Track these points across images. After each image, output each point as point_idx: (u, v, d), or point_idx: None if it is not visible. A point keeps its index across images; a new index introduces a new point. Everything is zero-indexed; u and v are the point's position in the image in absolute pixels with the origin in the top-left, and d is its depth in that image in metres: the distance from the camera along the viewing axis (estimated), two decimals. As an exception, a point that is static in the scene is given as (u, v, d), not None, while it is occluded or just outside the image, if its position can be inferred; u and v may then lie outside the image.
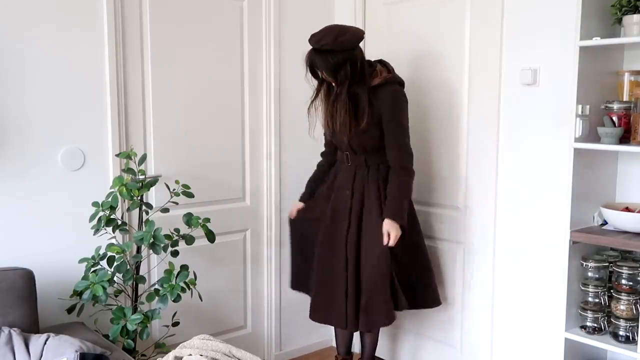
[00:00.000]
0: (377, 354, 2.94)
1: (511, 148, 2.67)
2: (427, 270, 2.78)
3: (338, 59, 2.48)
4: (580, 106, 2.21)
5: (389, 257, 2.55)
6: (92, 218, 2.39)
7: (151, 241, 2.35)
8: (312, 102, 2.68)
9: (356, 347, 3.17)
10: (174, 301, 2.38)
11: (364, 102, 2.55)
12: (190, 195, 2.54)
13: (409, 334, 3.22)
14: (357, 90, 2.55)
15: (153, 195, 2.74)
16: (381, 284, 2.55)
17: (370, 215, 2.62)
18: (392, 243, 2.51)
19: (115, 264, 2.39)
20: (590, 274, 2.32)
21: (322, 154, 2.91)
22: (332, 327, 3.02)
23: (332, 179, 2.77)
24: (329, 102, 2.61)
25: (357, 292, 2.61)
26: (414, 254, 2.72)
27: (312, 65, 2.55)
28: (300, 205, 2.85)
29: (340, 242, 2.65)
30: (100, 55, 2.55)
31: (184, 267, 2.48)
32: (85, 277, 2.33)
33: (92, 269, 2.35)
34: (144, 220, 2.49)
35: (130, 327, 2.33)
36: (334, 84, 2.56)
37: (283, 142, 3.22)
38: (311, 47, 2.53)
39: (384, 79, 2.58)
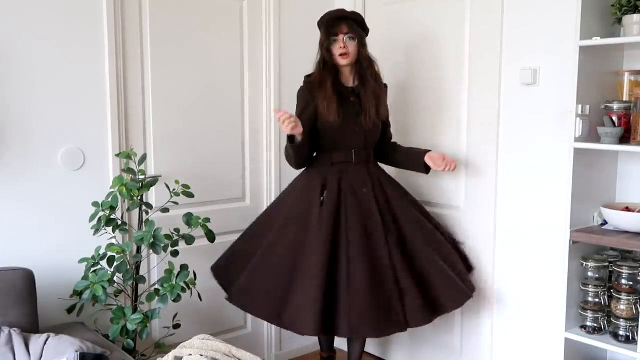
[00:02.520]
0: (374, 353, 2.92)
1: (511, 148, 2.67)
2: None
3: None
4: (580, 106, 2.21)
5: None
6: (92, 218, 2.39)
7: (151, 241, 2.35)
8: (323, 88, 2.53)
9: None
10: (174, 301, 2.38)
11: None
12: (190, 195, 2.54)
13: (404, 334, 3.22)
14: None
15: (153, 195, 2.74)
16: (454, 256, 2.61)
17: (403, 208, 2.62)
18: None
19: (115, 264, 2.39)
20: (590, 274, 2.32)
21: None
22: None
23: (337, 184, 2.55)
24: (367, 85, 2.60)
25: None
26: None
27: (354, 28, 2.56)
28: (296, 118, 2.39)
29: (380, 242, 2.48)
30: (100, 55, 2.55)
31: (184, 267, 2.48)
32: (85, 277, 2.33)
33: (92, 269, 2.35)
34: (144, 220, 2.49)
35: (130, 327, 2.33)
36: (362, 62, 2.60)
37: (283, 142, 3.20)
38: (339, 16, 2.58)
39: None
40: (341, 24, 2.56)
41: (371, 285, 2.40)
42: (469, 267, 2.75)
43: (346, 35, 2.55)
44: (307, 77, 2.66)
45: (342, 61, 2.56)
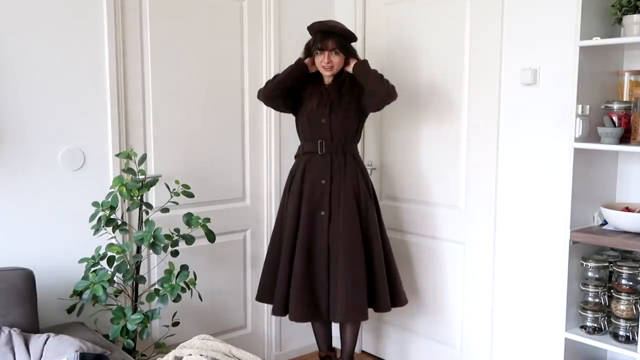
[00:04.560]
0: (372, 352, 2.94)
1: (511, 148, 2.67)
2: (393, 268, 2.79)
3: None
4: (580, 106, 2.21)
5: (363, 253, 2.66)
6: (92, 218, 2.39)
7: (151, 241, 2.35)
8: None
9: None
10: (174, 301, 2.38)
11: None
12: (190, 195, 2.54)
13: (409, 333, 3.22)
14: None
15: (153, 195, 2.74)
16: (361, 278, 2.62)
17: (346, 208, 2.65)
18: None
19: (115, 264, 2.39)
20: (590, 274, 2.32)
21: None
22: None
23: (301, 174, 2.71)
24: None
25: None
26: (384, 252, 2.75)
27: (341, 43, 2.64)
28: None
29: (322, 234, 2.65)
30: (100, 55, 2.55)
31: (184, 267, 2.48)
32: (85, 277, 2.33)
33: (92, 269, 2.35)
34: (144, 220, 2.49)
35: (130, 327, 2.33)
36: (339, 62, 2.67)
37: (283, 142, 3.22)
38: (328, 30, 2.64)
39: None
40: (328, 40, 2.62)
41: (308, 279, 2.63)
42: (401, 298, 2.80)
43: (332, 51, 2.63)
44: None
45: (325, 72, 2.67)
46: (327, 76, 2.69)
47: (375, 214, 2.73)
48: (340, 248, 2.62)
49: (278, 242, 2.77)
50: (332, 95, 2.68)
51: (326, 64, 2.62)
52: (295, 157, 2.81)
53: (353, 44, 2.73)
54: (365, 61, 2.67)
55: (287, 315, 2.68)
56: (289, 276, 2.66)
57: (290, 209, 2.71)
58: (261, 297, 2.85)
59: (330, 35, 2.62)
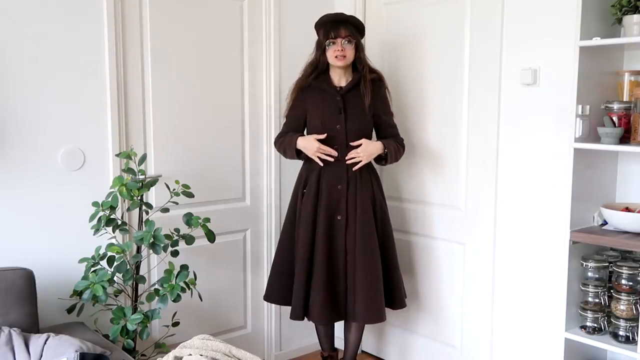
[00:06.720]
0: (372, 352, 2.94)
1: (511, 148, 2.67)
2: (396, 270, 2.81)
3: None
4: (580, 106, 2.21)
5: (379, 254, 2.68)
6: (92, 218, 2.39)
7: (151, 241, 2.35)
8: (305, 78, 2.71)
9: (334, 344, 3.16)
10: (173, 301, 2.38)
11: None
12: (190, 195, 2.54)
13: (409, 334, 3.22)
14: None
15: (153, 195, 2.74)
16: (379, 280, 2.65)
17: (362, 211, 2.66)
18: (359, 154, 2.62)
19: (115, 264, 2.39)
20: (590, 274, 2.32)
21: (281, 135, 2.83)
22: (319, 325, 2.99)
23: (316, 179, 2.70)
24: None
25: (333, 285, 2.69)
26: (390, 252, 2.79)
27: (352, 32, 2.63)
28: (317, 137, 2.64)
29: (340, 238, 2.66)
30: (100, 55, 2.55)
31: (184, 267, 2.48)
32: (85, 277, 2.33)
33: (92, 269, 2.35)
34: (144, 220, 2.49)
35: (130, 327, 2.33)
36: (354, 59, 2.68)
37: (283, 142, 3.22)
38: (338, 19, 2.66)
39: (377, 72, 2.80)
40: (340, 28, 2.62)
41: (329, 284, 2.64)
42: (396, 301, 2.79)
43: (344, 39, 2.61)
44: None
45: (338, 62, 2.63)
46: (339, 67, 2.65)
47: (388, 215, 2.79)
48: (358, 251, 2.64)
49: (289, 245, 2.77)
50: (345, 99, 2.67)
51: (340, 53, 2.60)
52: (305, 161, 2.77)
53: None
54: (388, 152, 2.70)
55: (306, 318, 2.71)
56: (306, 281, 2.67)
57: (305, 214, 2.70)
58: (269, 297, 2.86)
59: (340, 23, 2.62)
